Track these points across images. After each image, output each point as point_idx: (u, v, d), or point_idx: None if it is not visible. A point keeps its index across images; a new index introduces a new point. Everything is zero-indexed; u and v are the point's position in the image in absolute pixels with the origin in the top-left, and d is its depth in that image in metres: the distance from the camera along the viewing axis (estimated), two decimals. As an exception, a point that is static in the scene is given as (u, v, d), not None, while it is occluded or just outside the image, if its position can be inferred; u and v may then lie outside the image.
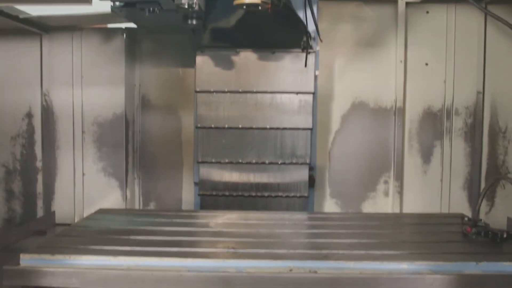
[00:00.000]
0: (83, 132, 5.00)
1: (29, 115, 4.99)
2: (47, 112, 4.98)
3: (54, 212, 3.55)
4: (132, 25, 4.73)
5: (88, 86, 4.99)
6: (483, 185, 4.94)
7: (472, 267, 2.48)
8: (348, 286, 2.42)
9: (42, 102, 4.97)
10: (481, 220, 3.12)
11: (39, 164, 4.97)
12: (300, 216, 3.77)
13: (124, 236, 2.94)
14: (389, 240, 2.96)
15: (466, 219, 3.19)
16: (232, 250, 2.66)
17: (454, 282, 2.40)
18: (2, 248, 2.87)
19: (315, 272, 2.43)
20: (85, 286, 2.48)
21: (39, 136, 4.98)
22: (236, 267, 2.46)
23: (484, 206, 4.94)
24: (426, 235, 3.16)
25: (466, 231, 2.96)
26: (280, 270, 2.44)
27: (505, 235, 2.83)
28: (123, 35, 4.93)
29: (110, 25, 4.98)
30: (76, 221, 4.75)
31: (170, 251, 2.63)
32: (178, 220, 3.43)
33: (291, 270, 2.45)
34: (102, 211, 3.72)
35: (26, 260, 2.51)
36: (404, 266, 2.48)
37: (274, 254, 2.61)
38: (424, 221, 3.69)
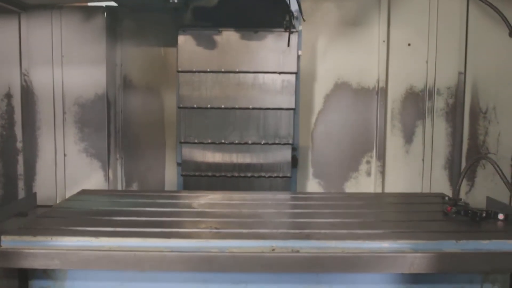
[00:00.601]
0: (64, 112, 4.92)
1: (8, 96, 4.88)
2: (27, 93, 4.88)
3: (35, 193, 3.50)
4: (113, 3, 4.62)
5: (68, 66, 4.89)
6: (463, 165, 4.98)
7: (452, 245, 2.51)
8: (331, 265, 2.44)
9: (21, 82, 4.87)
10: (461, 199, 3.17)
11: (19, 145, 4.89)
12: (282, 196, 3.79)
13: (106, 217, 2.92)
14: (371, 219, 2.99)
15: (446, 198, 3.24)
16: (214, 230, 2.67)
17: (434, 260, 2.43)
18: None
19: (298, 251, 2.44)
20: (67, 267, 2.47)
21: (19, 117, 4.88)
22: (218, 247, 2.46)
23: (464, 186, 4.99)
24: (408, 214, 3.20)
25: (446, 210, 3.00)
26: (262, 250, 2.45)
27: (484, 214, 2.88)
28: (104, 13, 4.83)
29: (90, 4, 4.88)
30: (58, 202, 4.71)
31: (152, 231, 2.62)
32: (160, 201, 3.42)
33: (273, 249, 2.46)
34: (84, 192, 3.70)
35: (7, 242, 2.48)
36: (385, 244, 2.51)
37: (256, 234, 2.62)
38: (405, 200, 3.73)
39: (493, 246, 2.52)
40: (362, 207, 3.29)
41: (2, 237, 2.49)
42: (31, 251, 2.44)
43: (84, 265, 2.44)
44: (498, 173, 3.02)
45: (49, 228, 2.69)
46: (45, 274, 2.55)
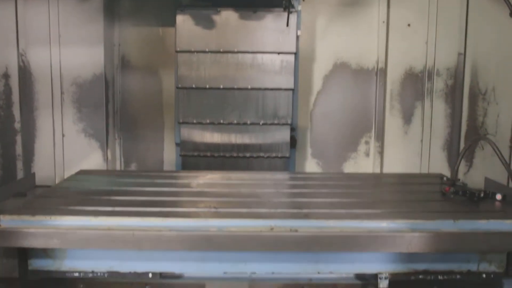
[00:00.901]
0: (62, 93, 4.89)
1: (6, 76, 4.82)
2: (24, 73, 4.85)
3: (34, 173, 3.50)
4: (110, -18, 4.61)
5: (66, 46, 4.85)
6: (462, 146, 4.99)
7: (450, 225, 2.52)
8: (329, 244, 2.45)
9: (19, 63, 4.82)
10: (459, 180, 3.17)
11: (17, 125, 4.84)
12: (281, 176, 3.80)
13: (105, 197, 2.93)
14: (370, 199, 3.00)
15: (444, 179, 3.25)
16: (213, 210, 2.68)
17: (432, 239, 2.44)
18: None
19: (296, 230, 2.45)
20: (66, 246, 2.48)
21: (16, 97, 4.83)
22: (217, 226, 2.47)
23: (462, 167, 5.00)
24: (406, 194, 3.21)
25: (444, 190, 3.01)
26: (261, 229, 2.46)
27: (482, 194, 2.89)
28: (102, -8, 4.78)
29: (87, -17, 4.84)
30: (56, 183, 4.72)
31: (151, 211, 2.63)
32: (159, 181, 3.43)
33: (272, 229, 2.47)
34: (82, 172, 3.70)
35: (6, 221, 2.49)
36: (383, 224, 2.52)
37: (255, 213, 2.63)
38: (404, 180, 3.75)
39: (491, 226, 2.53)
40: (360, 187, 3.30)
41: (1, 217, 2.50)
42: (31, 230, 2.45)
43: (83, 244, 2.45)
44: (497, 154, 3.02)
45: (48, 207, 2.69)
46: (44, 253, 2.56)
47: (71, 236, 2.43)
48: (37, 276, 2.58)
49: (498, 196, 2.87)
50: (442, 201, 2.96)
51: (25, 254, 2.55)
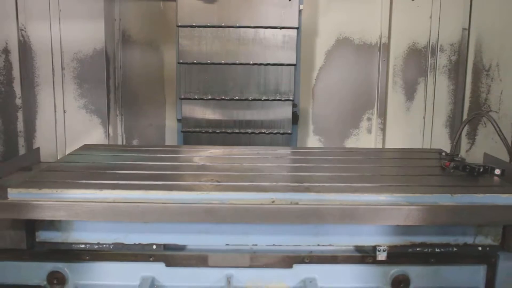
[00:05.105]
0: (62, 68, 5.02)
1: (6, 51, 4.94)
2: (25, 48, 4.96)
3: (38, 148, 3.62)
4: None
5: (66, 20, 4.95)
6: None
7: (447, 199, 2.63)
8: (328, 216, 2.56)
9: (19, 37, 4.93)
10: (458, 155, 3.28)
11: (18, 101, 4.99)
12: (283, 151, 3.90)
13: (109, 171, 3.04)
14: (369, 173, 3.11)
15: (444, 154, 3.35)
16: (216, 183, 2.79)
17: (429, 213, 2.55)
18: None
19: (297, 203, 2.56)
20: (73, 218, 2.60)
21: (17, 73, 4.96)
22: (219, 199, 2.59)
23: (465, 144, 5.12)
24: (405, 169, 3.32)
25: (444, 165, 3.11)
26: (262, 202, 2.57)
27: (481, 169, 2.99)
28: (102, -34, 4.83)
29: (88, -44, 4.89)
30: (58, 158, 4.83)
31: (155, 184, 2.75)
32: (162, 155, 3.53)
33: (273, 201, 2.58)
34: (86, 147, 3.81)
35: (14, 194, 2.60)
36: (382, 197, 2.63)
37: (257, 187, 2.74)
38: (404, 156, 3.85)
39: (487, 200, 2.64)
40: (360, 162, 3.41)
41: (9, 190, 2.60)
42: (38, 203, 2.55)
43: (89, 216, 2.57)
44: (496, 130, 3.12)
45: (54, 181, 2.80)
46: (51, 225, 2.68)
47: (78, 208, 2.54)
48: (44, 247, 2.69)
49: (497, 171, 2.97)
50: (442, 176, 3.07)
51: (32, 226, 2.67)
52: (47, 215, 2.56)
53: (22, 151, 4.99)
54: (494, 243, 2.73)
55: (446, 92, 5.18)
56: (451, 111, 5.19)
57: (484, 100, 5.08)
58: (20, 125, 5.01)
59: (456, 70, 5.14)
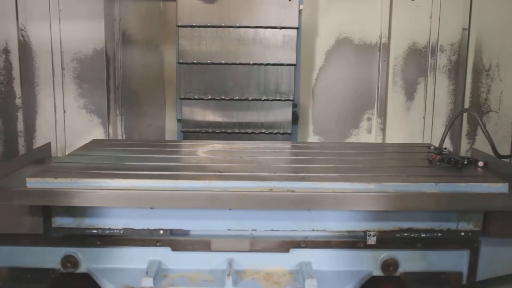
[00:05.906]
0: (62, 68, 5.45)
1: (6, 51, 5.36)
2: (25, 48, 5.38)
3: (50, 143, 4.08)
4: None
5: (66, 21, 5.38)
6: (464, 123, 5.58)
7: (432, 187, 3.15)
8: (322, 203, 3.10)
9: (18, 37, 5.35)
10: (445, 148, 3.81)
11: (18, 101, 5.40)
12: (281, 145, 4.41)
13: (119, 162, 3.59)
14: (361, 165, 3.65)
15: (432, 147, 3.90)
16: (218, 173, 3.33)
17: (414, 199, 3.09)
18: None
19: (293, 191, 3.09)
20: (86, 204, 3.13)
21: (17, 73, 5.37)
22: (222, 187, 3.13)
23: (465, 144, 5.61)
24: (395, 161, 3.88)
25: (431, 158, 3.66)
26: (261, 190, 3.11)
27: (465, 162, 3.53)
28: (102, -34, 5.24)
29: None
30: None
31: (163, 174, 3.29)
32: (168, 149, 4.08)
33: (271, 189, 3.11)
34: (95, 142, 4.35)
35: (32, 183, 3.13)
36: (371, 186, 3.16)
37: (256, 176, 3.28)
38: (395, 149, 4.41)
39: (469, 188, 3.16)
40: (354, 155, 3.95)
41: (28, 179, 3.14)
42: (54, 190, 3.10)
43: (102, 202, 3.11)
44: (480, 126, 3.66)
45: (68, 171, 3.34)
46: (66, 212, 3.22)
47: (92, 195, 3.07)
48: (60, 232, 3.23)
49: (480, 163, 3.52)
50: (428, 167, 3.60)
51: (49, 212, 3.21)
52: (62, 202, 3.10)
53: (22, 151, 5.38)
54: (475, 229, 3.26)
55: (446, 92, 5.63)
56: (451, 111, 5.62)
57: (484, 100, 5.56)
58: (20, 125, 5.41)
59: (456, 70, 5.57)
